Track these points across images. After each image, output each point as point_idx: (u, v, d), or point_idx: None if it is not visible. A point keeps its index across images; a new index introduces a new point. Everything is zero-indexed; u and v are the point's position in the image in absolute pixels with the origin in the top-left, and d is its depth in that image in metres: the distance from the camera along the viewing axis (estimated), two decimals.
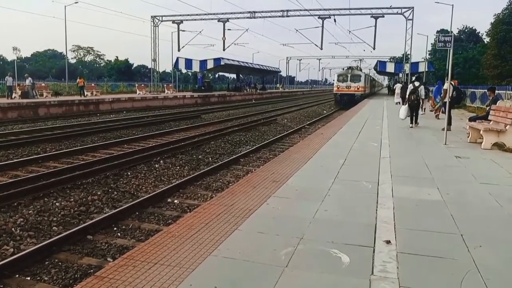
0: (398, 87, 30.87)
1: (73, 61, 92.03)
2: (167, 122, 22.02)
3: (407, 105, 15.62)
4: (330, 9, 40.65)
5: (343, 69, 40.77)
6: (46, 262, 5.23)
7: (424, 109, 21.98)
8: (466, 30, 70.31)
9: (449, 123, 13.12)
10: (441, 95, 17.27)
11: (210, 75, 67.25)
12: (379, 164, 8.20)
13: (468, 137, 11.96)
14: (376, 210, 5.21)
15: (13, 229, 6.25)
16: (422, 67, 47.28)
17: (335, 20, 40.88)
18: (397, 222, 4.77)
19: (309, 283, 3.32)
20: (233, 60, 53.68)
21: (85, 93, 33.70)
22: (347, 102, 35.16)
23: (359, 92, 36.72)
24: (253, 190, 6.05)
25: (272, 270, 3.50)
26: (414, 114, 15.59)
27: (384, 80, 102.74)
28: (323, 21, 40.80)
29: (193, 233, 4.29)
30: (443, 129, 11.98)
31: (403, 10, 39.37)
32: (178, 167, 10.88)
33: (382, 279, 3.37)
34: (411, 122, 15.53)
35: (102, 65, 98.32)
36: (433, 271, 3.56)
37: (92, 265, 5.15)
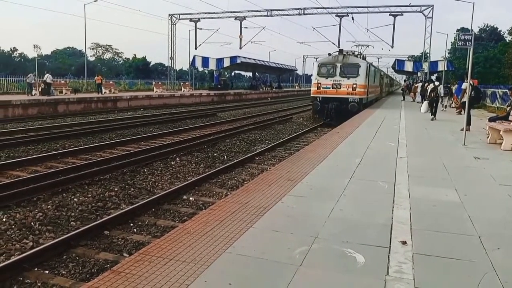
0: (419, 86, 31.98)
1: (92, 58, 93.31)
2: (183, 120, 22.17)
3: (427, 101, 19.09)
4: (348, 7, 40.38)
5: (329, 54, 24.50)
6: (64, 256, 5.33)
7: (445, 106, 24.65)
8: (487, 29, 69.00)
9: (469, 123, 12.91)
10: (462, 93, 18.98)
11: (226, 73, 67.42)
12: (396, 164, 8.11)
13: (487, 137, 11.74)
14: (392, 210, 5.16)
15: (32, 223, 6.38)
16: (442, 66, 46.52)
17: (353, 18, 40.54)
18: (414, 222, 4.72)
19: (323, 282, 3.31)
20: (249, 58, 53.70)
21: (103, 90, 34.13)
22: (334, 113, 21.63)
23: (356, 96, 21.60)
24: (268, 188, 6.05)
25: (286, 269, 3.50)
26: (434, 109, 18.17)
27: (402, 79, 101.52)
28: (340, 19, 40.49)
29: (208, 230, 4.32)
30: (462, 129, 11.78)
31: (423, 8, 38.82)
32: (194, 165, 10.95)
33: (398, 280, 3.34)
34: (432, 115, 18.02)
35: (120, 62, 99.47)
36: (449, 273, 3.51)
37: (109, 260, 5.23)
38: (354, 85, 21.64)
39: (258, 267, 3.53)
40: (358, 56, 26.04)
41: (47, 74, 28.83)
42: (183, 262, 3.56)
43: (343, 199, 5.63)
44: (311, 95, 22.86)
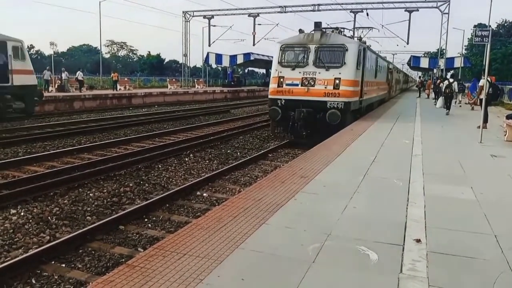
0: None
1: (107, 55, 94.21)
2: (197, 116, 22.27)
3: (442, 97, 20.78)
4: (363, 3, 39.92)
5: (300, 31, 15.52)
6: (80, 250, 5.42)
7: (460, 101, 26.05)
8: (505, 24, 67.72)
9: (485, 120, 12.70)
10: (477, 90, 19.87)
11: (239, 70, 67.52)
12: (411, 161, 8.03)
13: (505, 135, 11.53)
14: (407, 208, 5.12)
15: (49, 217, 6.50)
16: (458, 63, 45.83)
17: (367, 14, 40.09)
18: (428, 220, 4.68)
19: (336, 279, 3.31)
20: (262, 55, 53.67)
21: (118, 87, 34.47)
22: (304, 126, 13.81)
23: (339, 99, 13.70)
24: (281, 185, 6.06)
25: (299, 265, 3.51)
26: (448, 104, 19.56)
27: (417, 76, 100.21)
28: (355, 15, 40.09)
29: (221, 226, 4.34)
30: (478, 127, 11.61)
31: (439, 3, 38.23)
32: (207, 161, 11.01)
33: (411, 278, 3.32)
34: (447, 110, 19.28)
35: (135, 60, 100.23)
36: (464, 272, 3.48)
37: (124, 254, 5.30)
38: (337, 81, 13.51)
39: (271, 263, 3.55)
40: (355, 37, 18.60)
41: (78, 72, 30.11)
42: (196, 257, 3.59)
43: (357, 196, 5.60)
44: (269, 96, 14.37)
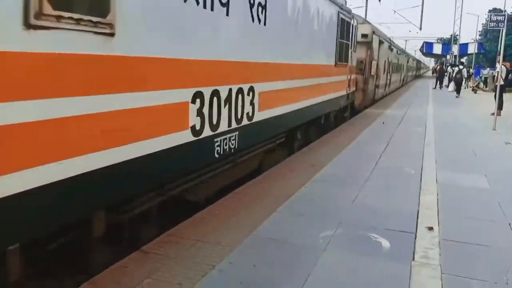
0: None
1: None
2: None
3: (453, 82, 24.23)
4: None
5: None
6: None
7: (468, 85, 28.95)
8: None
9: (500, 107, 12.50)
10: (480, 75, 26.88)
11: None
12: (423, 149, 7.96)
13: None
14: (419, 196, 5.09)
15: None
16: (472, 49, 45.00)
17: (379, 0, 39.46)
18: (441, 208, 4.65)
19: (347, 267, 3.31)
20: None
21: None
22: None
23: None
24: (291, 173, 6.05)
25: (310, 253, 3.51)
26: (458, 88, 22.94)
27: (430, 62, 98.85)
28: (367, 1, 39.48)
29: (233, 214, 4.36)
30: (492, 114, 11.44)
31: None
32: None
33: (424, 266, 3.31)
34: (457, 93, 22.52)
35: None
36: (477, 260, 3.46)
37: None
38: None
39: (282, 251, 3.56)
40: None
41: None
42: (209, 244, 3.62)
43: (368, 183, 5.58)
44: None
